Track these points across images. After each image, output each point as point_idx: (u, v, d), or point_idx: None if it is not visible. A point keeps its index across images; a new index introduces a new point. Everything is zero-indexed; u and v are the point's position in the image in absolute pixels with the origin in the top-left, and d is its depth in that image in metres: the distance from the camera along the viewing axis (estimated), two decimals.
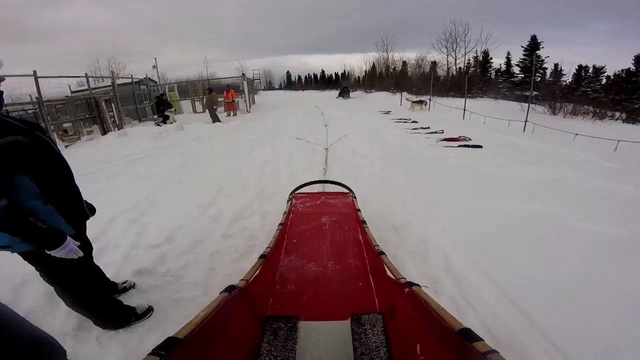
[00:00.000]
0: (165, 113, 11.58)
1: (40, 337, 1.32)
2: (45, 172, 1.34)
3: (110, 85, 11.56)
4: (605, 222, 2.98)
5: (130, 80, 12.90)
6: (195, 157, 5.87)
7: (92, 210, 1.69)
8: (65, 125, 9.03)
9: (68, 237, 1.36)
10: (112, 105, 10.52)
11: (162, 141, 7.38)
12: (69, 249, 1.36)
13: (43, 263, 1.41)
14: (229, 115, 13.44)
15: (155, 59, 18.03)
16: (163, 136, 7.79)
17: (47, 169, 1.36)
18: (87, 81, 9.96)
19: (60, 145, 7.76)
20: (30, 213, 1.25)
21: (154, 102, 12.35)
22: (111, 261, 2.36)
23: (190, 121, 10.92)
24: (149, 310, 1.86)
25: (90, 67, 27.83)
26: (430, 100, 16.03)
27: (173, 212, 3.34)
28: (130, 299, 1.98)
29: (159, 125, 11.24)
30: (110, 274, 2.17)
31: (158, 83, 16.80)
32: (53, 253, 1.32)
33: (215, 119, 11.39)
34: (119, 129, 9.46)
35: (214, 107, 11.64)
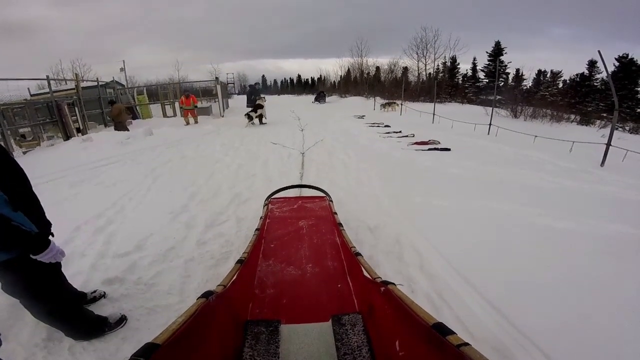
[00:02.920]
0: (257, 102, 10.65)
1: None
2: (5, 178, 1.27)
3: (73, 88, 11.00)
4: (564, 218, 3.18)
5: (96, 83, 12.31)
6: (165, 163, 5.68)
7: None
8: (22, 130, 8.48)
9: (52, 240, 1.33)
10: (76, 109, 9.99)
11: (129, 147, 7.09)
12: (55, 252, 1.34)
13: (12, 275, 1.33)
14: (187, 123, 11.86)
15: (124, 61, 17.40)
16: (130, 141, 7.49)
17: (7, 175, 1.29)
18: (49, 83, 9.40)
19: (18, 152, 7.28)
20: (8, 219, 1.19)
21: (247, 92, 11.57)
22: (78, 270, 2.26)
23: (160, 125, 10.55)
24: (122, 320, 1.78)
25: (52, 69, 26.32)
26: (401, 105, 16.48)
27: (142, 220, 3.22)
28: (101, 309, 1.90)
29: (250, 117, 10.60)
30: (79, 283, 2.08)
31: (126, 86, 16.15)
32: (39, 257, 1.30)
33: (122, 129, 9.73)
34: (82, 134, 8.98)
35: (119, 120, 9.98)
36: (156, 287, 2.13)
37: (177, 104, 14.55)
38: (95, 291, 2.03)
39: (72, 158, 5.99)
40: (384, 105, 18.28)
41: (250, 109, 11.08)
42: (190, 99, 12.24)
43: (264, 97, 11.40)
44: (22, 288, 1.40)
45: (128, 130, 9.70)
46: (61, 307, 1.54)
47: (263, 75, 71.10)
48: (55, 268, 1.55)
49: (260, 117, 10.93)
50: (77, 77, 11.62)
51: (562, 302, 1.96)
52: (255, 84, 12.01)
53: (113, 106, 10.16)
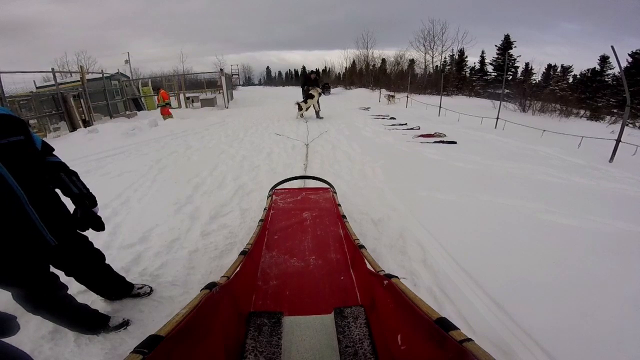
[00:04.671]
0: (310, 91, 9.67)
1: (16, 355, 1.22)
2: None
3: (79, 81, 11.04)
4: (570, 214, 3.15)
5: (100, 75, 12.35)
6: (170, 154, 5.70)
7: (96, 225, 1.55)
8: (32, 122, 8.55)
9: None
10: (81, 101, 10.04)
11: (134, 138, 7.12)
12: None
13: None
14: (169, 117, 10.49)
15: (128, 53, 17.42)
16: (136, 133, 7.52)
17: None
18: (54, 76, 9.45)
19: None
20: None
21: (301, 81, 10.21)
22: None
23: (165, 117, 10.57)
24: (123, 325, 1.73)
25: (57, 62, 26.46)
26: (408, 97, 16.33)
27: (147, 211, 3.24)
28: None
29: (300, 107, 9.86)
30: None
31: (131, 78, 16.18)
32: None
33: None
34: (88, 126, 9.03)
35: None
36: (161, 279, 2.15)
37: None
38: (142, 287, 1.99)
39: (78, 149, 6.03)
40: (390, 97, 18.33)
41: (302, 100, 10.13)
42: (159, 95, 10.69)
43: (320, 89, 10.06)
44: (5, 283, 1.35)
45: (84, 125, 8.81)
46: (51, 304, 1.49)
47: (268, 67, 70.96)
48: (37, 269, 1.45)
49: (316, 109, 9.98)
50: (82, 69, 11.65)
51: (565, 300, 1.94)
52: (311, 72, 10.49)
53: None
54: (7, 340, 1.19)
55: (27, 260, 1.35)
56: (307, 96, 9.86)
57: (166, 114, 10.59)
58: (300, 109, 10.00)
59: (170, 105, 11.23)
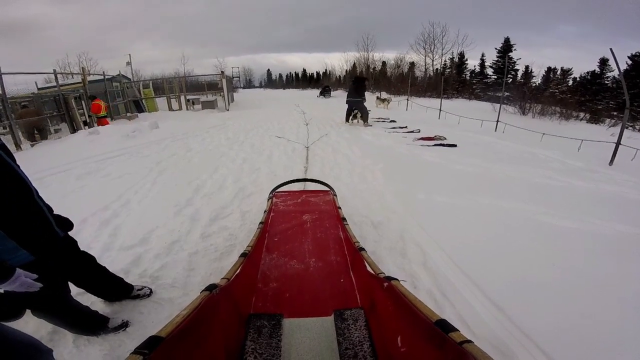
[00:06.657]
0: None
1: (22, 340, 1.24)
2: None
3: (80, 82, 11.07)
4: (569, 217, 3.15)
5: (102, 77, 12.39)
6: (170, 156, 5.71)
7: (67, 225, 1.55)
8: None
9: (17, 270, 1.17)
10: (83, 102, 10.07)
11: (135, 140, 7.12)
12: (19, 283, 1.17)
13: None
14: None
15: (130, 55, 17.47)
16: (136, 135, 7.53)
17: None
18: (56, 77, 9.47)
19: (26, 144, 7.36)
20: None
21: (354, 85, 9.43)
22: None
23: (166, 119, 10.59)
24: (122, 326, 1.73)
25: (59, 64, 26.57)
26: (408, 100, 16.35)
27: (148, 213, 3.25)
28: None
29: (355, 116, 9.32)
30: None
31: (132, 80, 16.22)
32: (1, 287, 1.16)
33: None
34: (89, 127, 9.05)
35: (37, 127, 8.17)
36: (160, 280, 2.15)
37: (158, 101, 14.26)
38: (142, 288, 2.00)
39: (79, 151, 6.04)
40: (377, 100, 17.12)
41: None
42: (94, 105, 8.90)
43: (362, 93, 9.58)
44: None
45: (35, 138, 8.04)
46: (54, 305, 1.50)
47: (268, 70, 71.20)
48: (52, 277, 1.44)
49: (365, 117, 9.67)
50: (84, 70, 11.69)
51: (564, 301, 1.95)
52: (361, 76, 9.85)
53: (24, 110, 8.26)
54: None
55: (44, 252, 1.36)
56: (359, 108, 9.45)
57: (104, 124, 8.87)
58: (355, 117, 9.64)
59: (105, 117, 9.41)
